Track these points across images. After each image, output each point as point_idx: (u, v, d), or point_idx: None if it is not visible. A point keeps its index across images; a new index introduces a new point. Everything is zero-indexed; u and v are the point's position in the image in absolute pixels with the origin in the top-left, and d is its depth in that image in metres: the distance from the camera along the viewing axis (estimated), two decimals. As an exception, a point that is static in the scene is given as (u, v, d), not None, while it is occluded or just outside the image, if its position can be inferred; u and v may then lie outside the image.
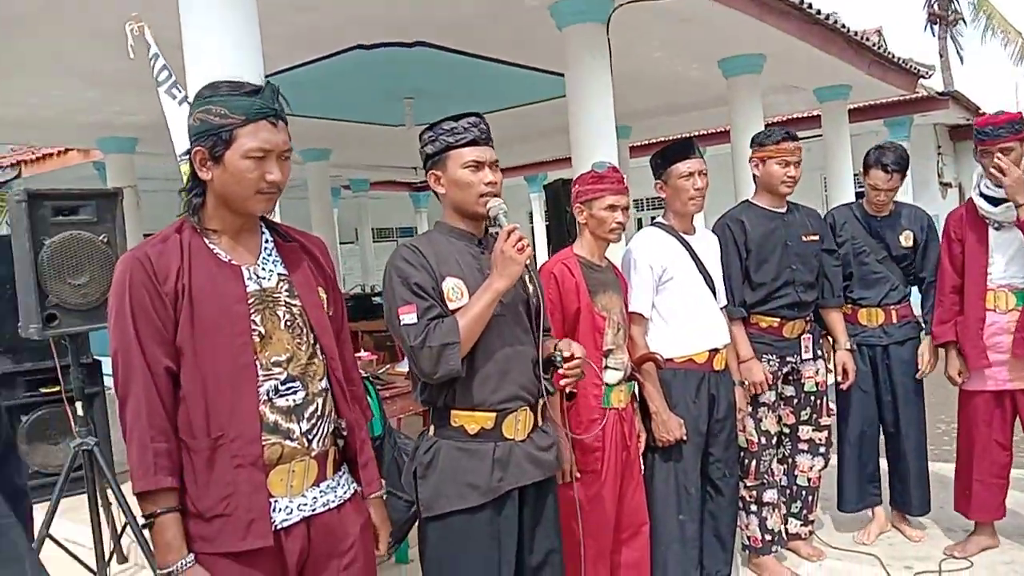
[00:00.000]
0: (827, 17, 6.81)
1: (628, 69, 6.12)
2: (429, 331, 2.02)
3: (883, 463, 3.73)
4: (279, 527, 1.69)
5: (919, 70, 9.22)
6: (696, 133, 11.10)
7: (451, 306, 2.09)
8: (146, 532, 1.67)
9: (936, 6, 20.41)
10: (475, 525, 2.10)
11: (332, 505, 1.80)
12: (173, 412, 1.65)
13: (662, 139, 11.65)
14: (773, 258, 3.27)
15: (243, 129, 1.65)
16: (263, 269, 1.77)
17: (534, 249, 2.17)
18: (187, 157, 1.73)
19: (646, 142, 11.56)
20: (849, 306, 3.63)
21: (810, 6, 6.46)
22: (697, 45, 6.70)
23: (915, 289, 3.70)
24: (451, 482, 2.10)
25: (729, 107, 7.43)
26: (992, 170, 3.12)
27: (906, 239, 3.61)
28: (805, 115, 10.87)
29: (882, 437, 3.70)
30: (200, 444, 1.65)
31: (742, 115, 7.23)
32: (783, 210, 3.35)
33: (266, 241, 1.82)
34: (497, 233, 2.16)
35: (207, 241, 1.72)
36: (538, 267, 2.47)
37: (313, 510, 1.75)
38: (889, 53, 8.77)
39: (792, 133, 3.28)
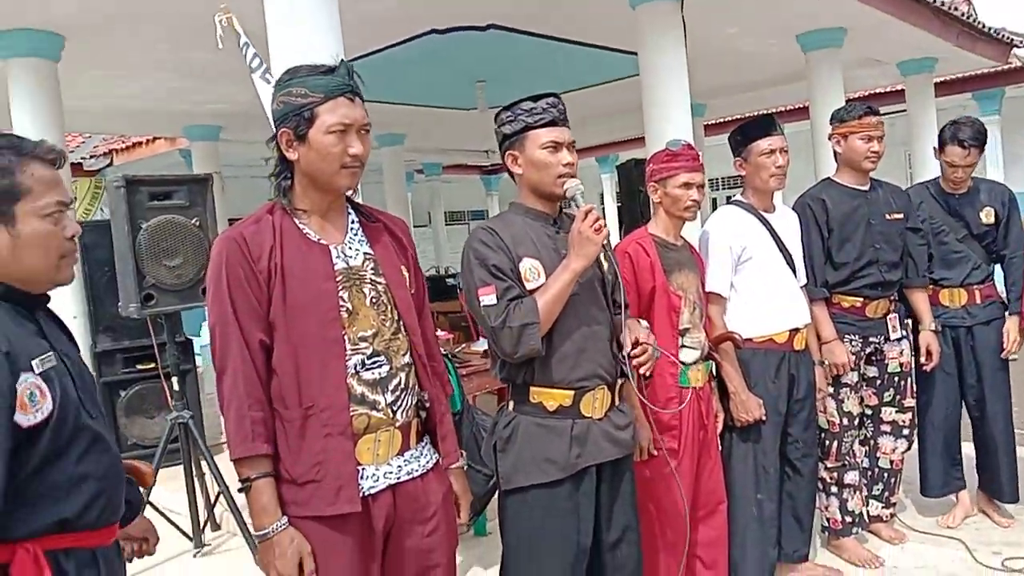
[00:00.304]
0: (912, -14, 6.55)
1: (702, 46, 6.01)
2: (509, 311, 2.05)
3: (967, 447, 3.63)
4: (366, 494, 1.77)
5: (1011, 39, 8.78)
6: (773, 110, 10.84)
7: (528, 286, 2.12)
8: (242, 496, 1.77)
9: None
10: (554, 500, 2.14)
11: (416, 474, 1.86)
12: (267, 383, 1.74)
13: (737, 116, 11.40)
14: (856, 237, 3.21)
15: (323, 106, 1.72)
16: (350, 248, 1.84)
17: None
18: (274, 142, 1.81)
19: (721, 120, 11.36)
20: (930, 287, 3.53)
21: (894, -24, 6.23)
22: (774, 20, 6.53)
23: (998, 267, 3.58)
24: (530, 457, 2.14)
25: (808, 83, 7.22)
26: None
27: (987, 216, 3.49)
28: (888, 90, 10.49)
29: (966, 421, 3.60)
30: (292, 414, 1.73)
31: (822, 91, 7.02)
32: (866, 188, 3.27)
33: (352, 221, 1.89)
34: (572, 213, 2.18)
35: (297, 221, 1.80)
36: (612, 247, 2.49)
37: (398, 478, 1.83)
38: (979, 22, 8.37)
39: (873, 108, 3.20)
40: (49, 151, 1.47)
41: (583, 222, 2.07)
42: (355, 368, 1.77)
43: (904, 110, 9.04)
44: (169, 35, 5.55)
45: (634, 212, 6.85)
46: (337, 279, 1.79)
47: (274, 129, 1.79)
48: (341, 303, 1.78)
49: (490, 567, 3.39)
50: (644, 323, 2.29)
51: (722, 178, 14.81)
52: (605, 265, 2.23)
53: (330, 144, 1.72)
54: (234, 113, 8.47)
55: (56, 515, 1.38)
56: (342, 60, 1.79)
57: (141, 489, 1.81)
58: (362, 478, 1.77)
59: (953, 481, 3.58)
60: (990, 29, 8.44)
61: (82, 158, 11.59)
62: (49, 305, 1.55)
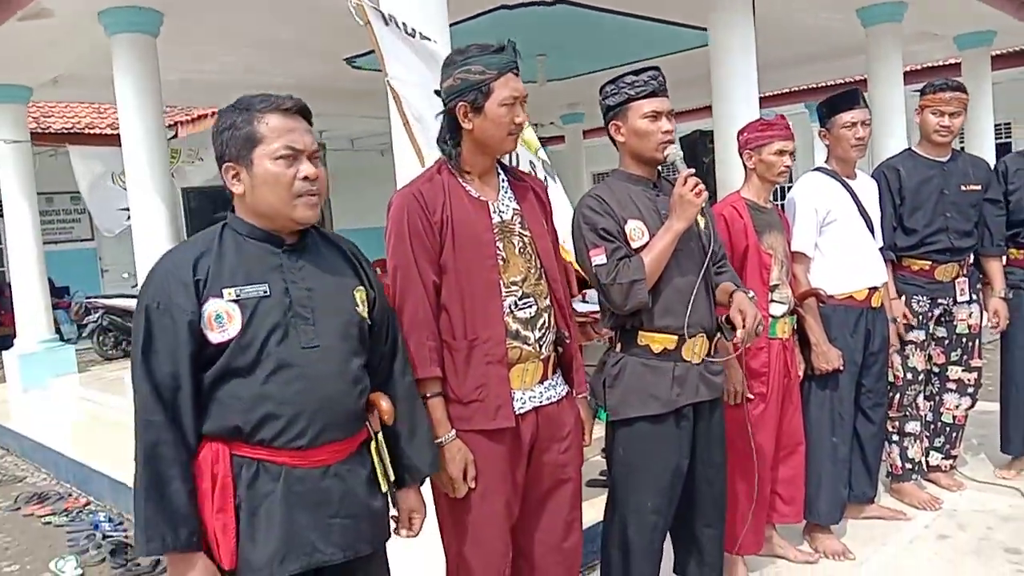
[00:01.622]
0: (975, -39, 6.63)
1: (762, 19, 6.16)
2: (619, 270, 2.32)
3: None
4: (517, 413, 2.07)
5: (1073, 12, 8.75)
6: (828, 83, 10.89)
7: (634, 245, 2.38)
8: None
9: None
10: (658, 432, 2.42)
11: (554, 399, 2.17)
12: (438, 318, 2.05)
13: (787, 90, 11.47)
14: (927, 206, 3.43)
15: (497, 82, 2.00)
16: (503, 205, 2.13)
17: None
18: (443, 114, 2.10)
19: (772, 93, 11.40)
20: (1021, 251, 3.71)
21: (957, -49, 6.32)
22: (836, -6, 6.66)
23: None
24: (636, 392, 2.41)
25: (867, 57, 7.26)
26: None
27: None
28: (943, 63, 10.46)
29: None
30: (460, 344, 2.04)
31: (880, 65, 7.04)
32: (944, 159, 3.49)
33: (503, 181, 2.18)
34: (668, 176, 2.44)
35: (461, 181, 2.09)
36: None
37: (540, 402, 2.13)
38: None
39: (953, 83, 3.39)
40: (284, 102, 1.69)
41: (684, 187, 2.32)
42: (510, 308, 2.07)
43: (960, 84, 9.06)
44: (259, 12, 5.86)
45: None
46: (494, 231, 2.08)
47: (443, 104, 2.08)
48: (498, 251, 2.07)
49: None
50: (752, 295, 2.44)
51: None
52: (702, 223, 2.48)
53: (502, 114, 2.01)
54: (299, 87, 8.74)
55: (232, 422, 1.60)
56: (508, 40, 2.06)
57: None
58: (513, 400, 2.07)
59: None
60: (1052, 1, 8.42)
61: (148, 129, 12.00)
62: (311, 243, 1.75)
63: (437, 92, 2.16)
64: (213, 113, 11.42)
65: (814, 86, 11.19)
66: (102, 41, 5.54)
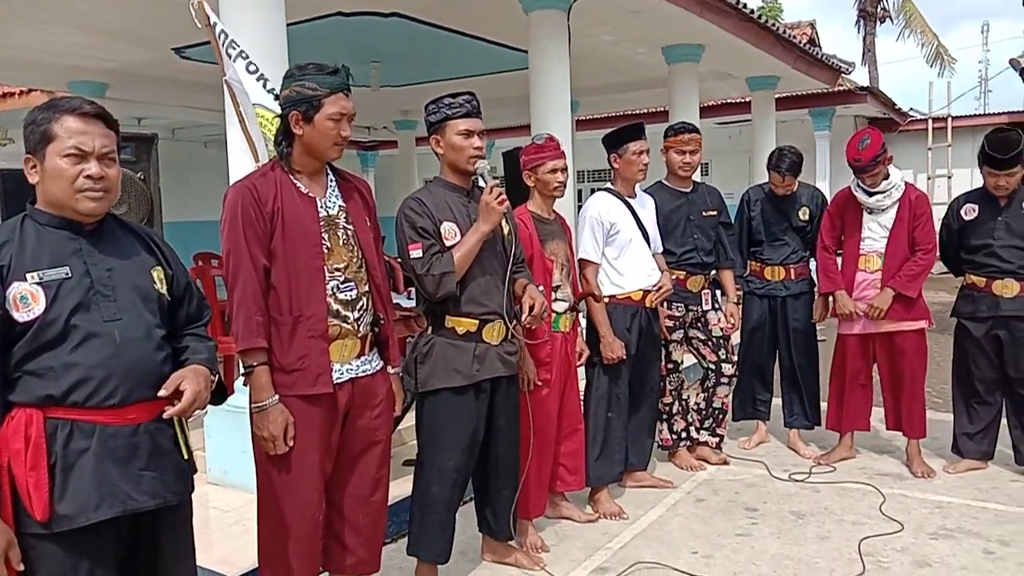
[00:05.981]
0: (759, 16, 7.63)
1: (580, 49, 6.74)
2: (432, 263, 2.72)
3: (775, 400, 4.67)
4: (335, 382, 2.38)
5: (840, 66, 10.17)
6: (637, 112, 11.86)
7: (447, 243, 2.78)
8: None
9: (868, 3, 21.51)
10: (459, 402, 2.83)
11: (368, 372, 2.49)
12: (266, 297, 2.32)
13: (606, 115, 12.36)
14: (678, 230, 4.10)
15: (328, 99, 2.31)
16: (330, 201, 2.44)
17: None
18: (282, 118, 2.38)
19: (591, 117, 12.25)
20: (759, 264, 4.51)
21: (744, 6, 7.27)
22: (644, 33, 7.39)
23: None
24: (442, 367, 2.81)
25: (669, 90, 8.13)
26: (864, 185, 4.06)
27: (803, 214, 4.49)
28: (738, 101, 11.69)
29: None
30: (285, 320, 2.32)
31: (680, 98, 7.94)
32: (688, 189, 4.17)
33: (331, 180, 2.48)
34: (480, 185, 2.86)
35: (292, 178, 2.38)
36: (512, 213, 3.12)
37: (356, 374, 2.45)
38: (817, 48, 9.62)
39: (689, 126, 4.07)
40: (83, 106, 1.82)
41: (489, 195, 2.75)
42: (332, 290, 2.37)
43: (750, 120, 10.23)
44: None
45: (521, 195, 7.51)
46: (320, 223, 2.38)
47: (280, 109, 2.36)
48: (323, 241, 2.37)
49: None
50: (541, 288, 2.93)
51: (588, 171, 15.64)
52: (506, 229, 2.92)
53: (329, 128, 2.32)
54: (123, 72, 8.53)
55: (45, 390, 1.73)
56: (343, 64, 2.38)
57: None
58: (332, 370, 2.37)
59: (755, 411, 4.64)
60: (823, 56, 9.75)
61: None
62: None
63: (276, 96, 2.43)
64: (21, 92, 10.73)
65: (631, 112, 12.15)
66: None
